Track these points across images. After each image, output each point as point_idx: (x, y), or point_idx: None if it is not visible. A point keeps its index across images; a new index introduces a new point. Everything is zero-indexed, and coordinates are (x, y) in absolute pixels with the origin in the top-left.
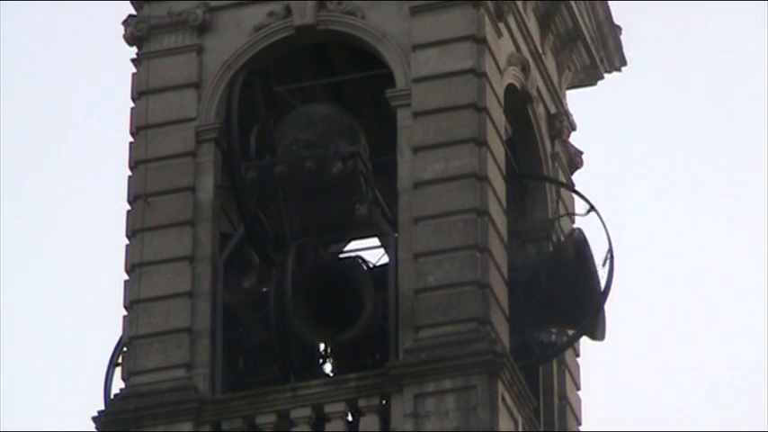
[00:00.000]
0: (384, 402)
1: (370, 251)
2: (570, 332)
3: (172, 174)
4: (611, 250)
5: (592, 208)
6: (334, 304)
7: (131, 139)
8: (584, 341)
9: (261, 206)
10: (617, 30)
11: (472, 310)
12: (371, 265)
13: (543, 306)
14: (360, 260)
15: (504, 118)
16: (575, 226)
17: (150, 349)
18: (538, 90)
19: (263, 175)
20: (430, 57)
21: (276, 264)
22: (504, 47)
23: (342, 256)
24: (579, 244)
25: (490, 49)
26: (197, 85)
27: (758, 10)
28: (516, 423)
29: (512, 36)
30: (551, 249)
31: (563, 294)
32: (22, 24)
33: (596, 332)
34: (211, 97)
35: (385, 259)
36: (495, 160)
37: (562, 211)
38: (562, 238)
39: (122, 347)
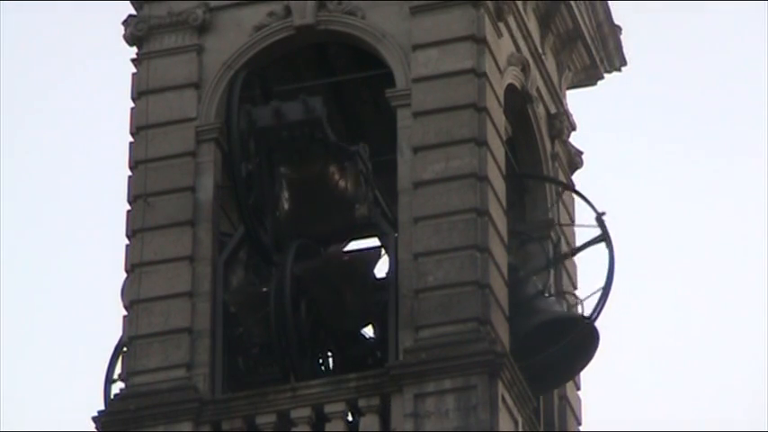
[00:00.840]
0: (384, 402)
1: None
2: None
3: (172, 174)
4: (611, 250)
5: (595, 210)
6: None
7: (131, 139)
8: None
9: (261, 206)
10: (617, 30)
11: (472, 310)
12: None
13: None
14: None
15: (504, 118)
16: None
17: (150, 349)
18: (538, 90)
19: (259, 114)
20: (430, 57)
21: (276, 264)
22: (504, 47)
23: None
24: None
25: (490, 49)
26: (197, 85)
27: (758, 10)
28: (516, 423)
29: (512, 36)
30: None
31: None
32: (22, 24)
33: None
34: (211, 97)
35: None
36: (495, 160)
37: (562, 212)
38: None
39: (122, 347)
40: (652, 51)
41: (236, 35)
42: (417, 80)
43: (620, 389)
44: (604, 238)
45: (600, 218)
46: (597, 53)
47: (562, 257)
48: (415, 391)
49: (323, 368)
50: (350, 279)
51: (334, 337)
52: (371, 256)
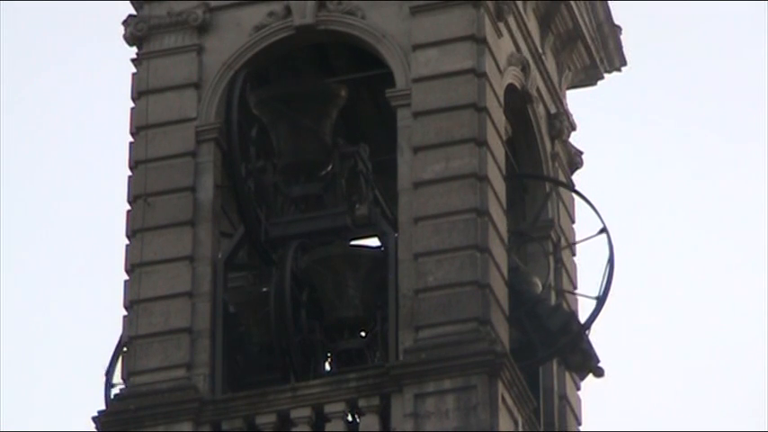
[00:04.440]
0: (384, 402)
1: None
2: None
3: (172, 174)
4: (611, 252)
5: (594, 210)
6: None
7: (131, 139)
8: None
9: (261, 206)
10: (617, 30)
11: (472, 310)
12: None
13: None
14: None
15: (504, 118)
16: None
17: (150, 349)
18: (538, 90)
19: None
20: (430, 57)
21: (276, 263)
22: (504, 47)
23: None
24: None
25: (490, 49)
26: (197, 85)
27: (758, 10)
28: (516, 423)
29: (512, 36)
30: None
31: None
32: (22, 24)
33: (577, 366)
34: (211, 97)
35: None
36: (495, 160)
37: (562, 212)
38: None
39: (122, 347)
40: (652, 51)
41: (236, 35)
42: (417, 80)
43: (620, 389)
44: (604, 229)
45: (522, 176)
46: (597, 53)
47: None
48: (415, 391)
49: (323, 368)
50: (353, 266)
51: (330, 329)
52: (377, 254)
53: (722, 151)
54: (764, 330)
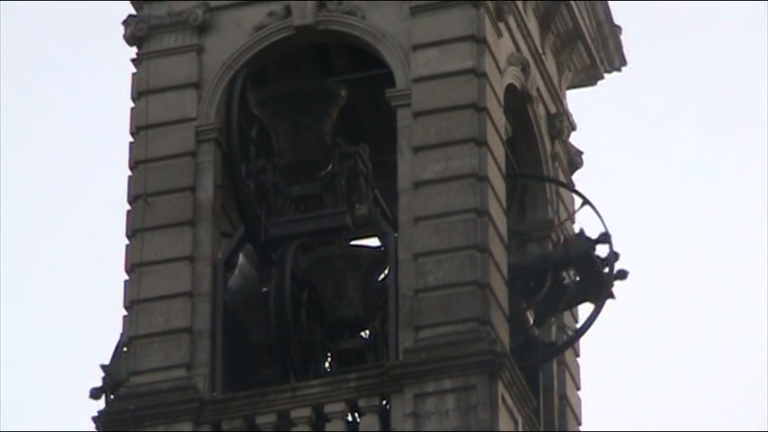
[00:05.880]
0: (384, 402)
1: None
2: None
3: (172, 174)
4: (611, 246)
5: (588, 202)
6: None
7: (131, 139)
8: (584, 341)
9: (261, 206)
10: (617, 30)
11: (472, 310)
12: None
13: (552, 294)
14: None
15: (504, 118)
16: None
17: (150, 349)
18: (538, 90)
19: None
20: (430, 57)
21: (276, 263)
22: (504, 47)
23: None
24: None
25: (490, 49)
26: (197, 85)
27: (758, 10)
28: (516, 423)
29: (512, 36)
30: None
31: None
32: (22, 24)
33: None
34: (211, 97)
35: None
36: (495, 160)
37: (562, 212)
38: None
39: (122, 347)
40: (652, 51)
41: (236, 35)
42: (417, 80)
43: (620, 389)
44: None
45: (522, 176)
46: (597, 53)
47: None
48: (415, 391)
49: (323, 368)
50: (353, 266)
51: (330, 329)
52: (377, 254)
53: (722, 151)
54: (764, 330)
